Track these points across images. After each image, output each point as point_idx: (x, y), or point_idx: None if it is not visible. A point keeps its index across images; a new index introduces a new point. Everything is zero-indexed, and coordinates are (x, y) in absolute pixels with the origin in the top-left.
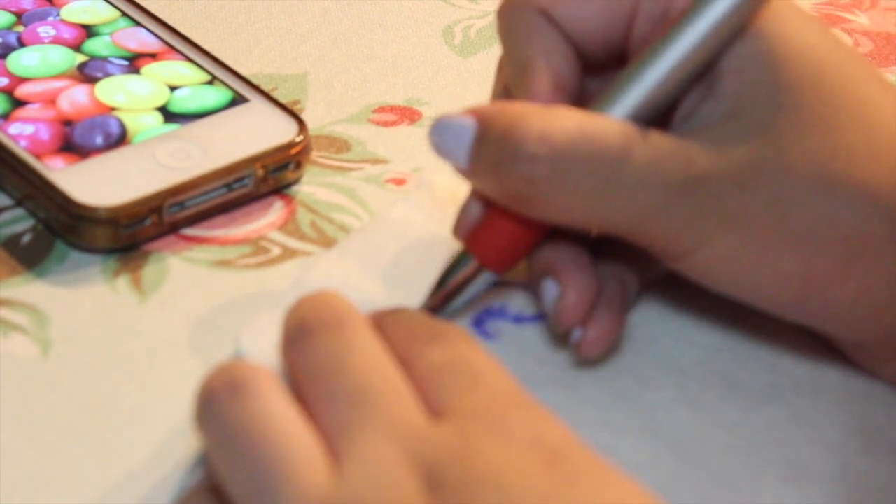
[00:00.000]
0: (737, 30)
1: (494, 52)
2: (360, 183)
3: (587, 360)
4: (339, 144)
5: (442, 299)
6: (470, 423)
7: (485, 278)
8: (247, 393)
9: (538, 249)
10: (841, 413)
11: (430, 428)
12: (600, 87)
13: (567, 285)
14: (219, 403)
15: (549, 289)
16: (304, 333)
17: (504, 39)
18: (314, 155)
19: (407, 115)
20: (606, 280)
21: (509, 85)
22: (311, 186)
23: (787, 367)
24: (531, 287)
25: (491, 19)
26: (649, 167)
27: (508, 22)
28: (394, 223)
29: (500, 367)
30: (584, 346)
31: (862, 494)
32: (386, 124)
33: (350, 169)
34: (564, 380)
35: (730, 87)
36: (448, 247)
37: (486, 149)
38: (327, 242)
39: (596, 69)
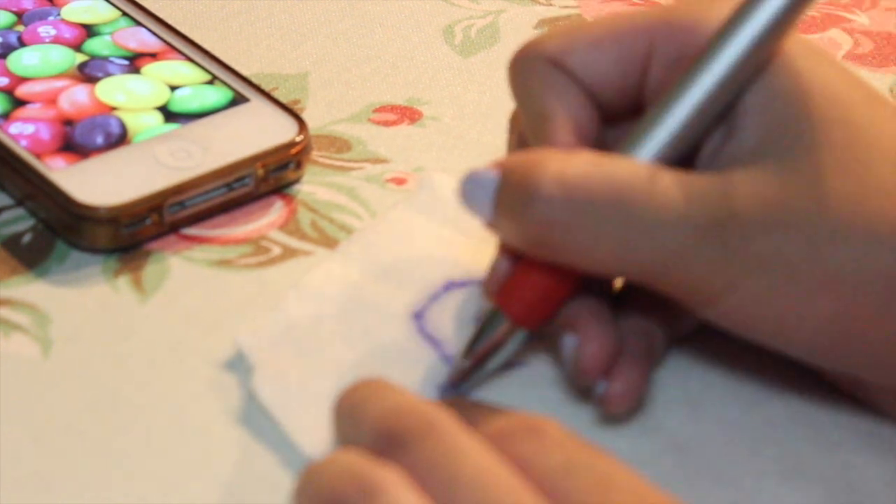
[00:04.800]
0: (757, 66)
1: (495, 51)
2: (361, 182)
3: (611, 416)
4: (339, 144)
5: (476, 361)
6: None
7: (518, 337)
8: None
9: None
10: (840, 412)
11: None
12: (618, 137)
13: (586, 338)
14: None
15: (568, 343)
16: (398, 444)
17: (517, 93)
18: (315, 154)
19: (407, 114)
20: (631, 335)
21: (527, 138)
22: (311, 186)
23: (788, 366)
24: (551, 345)
25: (492, 19)
26: (673, 207)
27: (521, 75)
28: (395, 224)
29: (620, 464)
30: (607, 400)
31: (861, 494)
32: (386, 124)
33: (350, 168)
34: (565, 380)
35: (754, 125)
36: (449, 248)
37: (506, 196)
38: (328, 242)
39: (612, 118)
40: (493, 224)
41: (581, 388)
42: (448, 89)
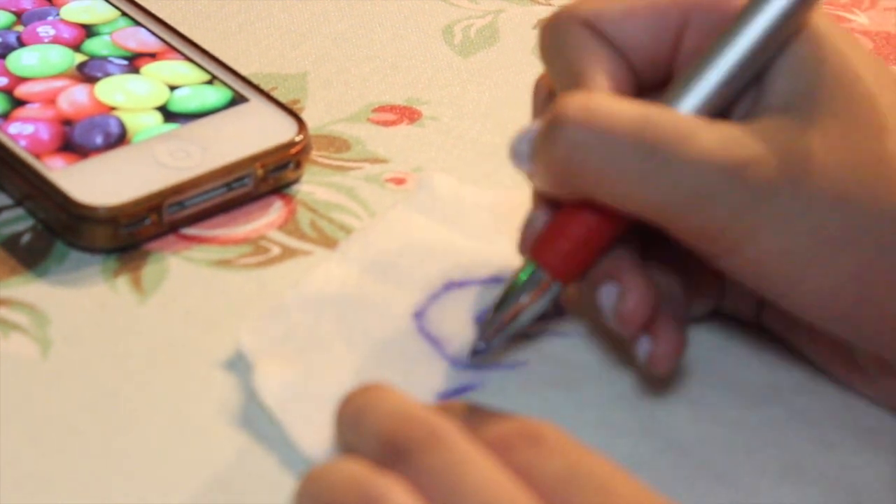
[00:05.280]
0: (791, 31)
1: (494, 51)
2: (360, 182)
3: (657, 377)
4: (338, 144)
5: (509, 318)
6: None
7: (550, 292)
8: None
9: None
10: (839, 412)
11: None
12: None
13: (627, 287)
14: None
15: (608, 292)
16: (401, 453)
17: (550, 56)
18: (314, 154)
19: (406, 114)
20: (665, 296)
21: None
22: (310, 186)
23: (787, 366)
24: (585, 301)
25: (491, 19)
26: (698, 145)
27: (554, 37)
28: (395, 224)
29: (620, 470)
30: (654, 361)
31: (861, 494)
32: (385, 124)
33: (350, 168)
34: (565, 380)
35: (782, 88)
36: (449, 248)
37: (539, 135)
38: (327, 242)
39: (641, 90)
40: (531, 172)
41: (620, 341)
42: (447, 89)
